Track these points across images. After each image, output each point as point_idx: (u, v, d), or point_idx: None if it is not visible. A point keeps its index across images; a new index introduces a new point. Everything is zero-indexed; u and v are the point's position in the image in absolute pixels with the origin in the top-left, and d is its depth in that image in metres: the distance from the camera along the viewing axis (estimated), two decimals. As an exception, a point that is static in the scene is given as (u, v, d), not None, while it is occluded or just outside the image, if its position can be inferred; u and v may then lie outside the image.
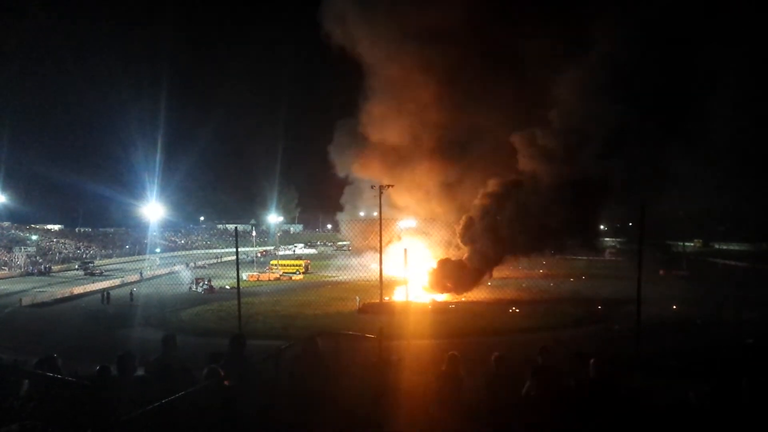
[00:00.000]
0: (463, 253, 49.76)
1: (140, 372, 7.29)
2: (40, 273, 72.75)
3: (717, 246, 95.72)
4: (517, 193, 47.14)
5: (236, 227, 20.86)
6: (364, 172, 64.32)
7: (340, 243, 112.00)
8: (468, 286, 47.12)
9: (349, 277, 53.24)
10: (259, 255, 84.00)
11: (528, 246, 47.43)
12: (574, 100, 44.94)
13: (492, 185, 49.75)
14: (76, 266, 78.06)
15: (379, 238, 44.18)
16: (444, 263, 48.60)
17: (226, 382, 6.03)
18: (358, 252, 61.20)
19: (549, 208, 42.29)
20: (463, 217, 50.97)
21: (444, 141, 58.50)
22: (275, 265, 70.65)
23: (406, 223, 63.61)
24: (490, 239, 46.36)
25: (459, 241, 51.11)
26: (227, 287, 50.83)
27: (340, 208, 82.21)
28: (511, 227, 45.04)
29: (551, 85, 47.47)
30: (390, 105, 60.03)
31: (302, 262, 72.62)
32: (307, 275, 67.98)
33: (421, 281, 48.92)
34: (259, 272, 66.31)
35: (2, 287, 57.68)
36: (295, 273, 67.26)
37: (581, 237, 50.21)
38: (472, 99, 53.45)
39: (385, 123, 61.36)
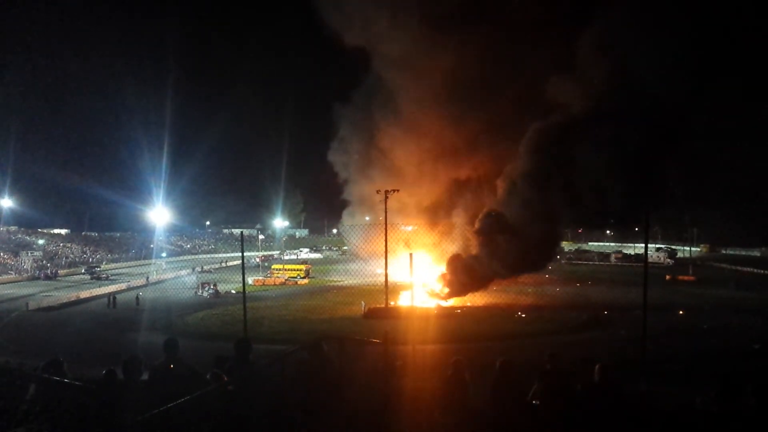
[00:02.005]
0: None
1: (145, 376, 7.32)
2: (47, 277, 72.94)
3: (724, 251, 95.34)
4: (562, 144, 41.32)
5: (242, 232, 20.94)
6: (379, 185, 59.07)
7: (345, 248, 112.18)
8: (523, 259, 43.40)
9: (355, 281, 53.24)
10: (258, 260, 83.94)
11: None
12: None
13: (533, 134, 44.41)
14: (83, 270, 78.31)
15: (384, 244, 44.11)
16: (491, 215, 45.19)
17: (229, 387, 6.04)
18: (362, 258, 59.93)
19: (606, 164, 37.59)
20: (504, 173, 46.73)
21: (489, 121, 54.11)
22: (277, 269, 71.06)
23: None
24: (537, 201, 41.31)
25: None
26: (233, 291, 50.91)
27: (347, 205, 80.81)
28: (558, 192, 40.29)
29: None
30: (424, 101, 58.00)
31: (303, 267, 72.86)
32: (313, 280, 68.02)
33: (434, 280, 48.56)
34: (265, 277, 66.45)
35: (9, 291, 57.95)
36: (296, 277, 67.40)
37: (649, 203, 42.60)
38: (516, 69, 50.48)
39: (414, 130, 59.91)
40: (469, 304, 45.47)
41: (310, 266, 74.92)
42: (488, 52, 51.26)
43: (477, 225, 46.44)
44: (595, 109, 40.66)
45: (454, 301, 46.44)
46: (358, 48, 60.30)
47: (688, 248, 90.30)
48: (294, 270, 70.77)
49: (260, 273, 68.83)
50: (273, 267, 74.27)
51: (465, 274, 45.69)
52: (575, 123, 41.65)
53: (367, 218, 76.26)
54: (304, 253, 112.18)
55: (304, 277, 67.93)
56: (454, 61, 54.29)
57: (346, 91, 68.72)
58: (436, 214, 60.79)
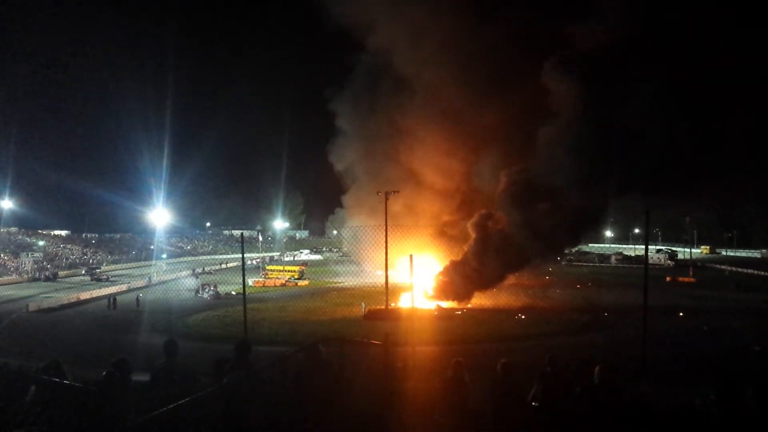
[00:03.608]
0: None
1: (146, 378, 7.33)
2: (47, 279, 72.97)
3: (725, 252, 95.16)
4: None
5: (242, 233, 20.97)
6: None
7: (345, 249, 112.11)
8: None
9: (355, 283, 53.13)
10: (256, 262, 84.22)
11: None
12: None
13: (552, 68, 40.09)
14: (83, 272, 78.39)
15: (384, 246, 43.95)
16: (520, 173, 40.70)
17: (229, 389, 6.04)
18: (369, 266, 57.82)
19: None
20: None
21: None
22: (271, 270, 72.23)
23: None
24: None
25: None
26: (233, 293, 50.83)
27: (347, 207, 79.19)
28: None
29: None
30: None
31: (297, 268, 73.87)
32: (313, 281, 68.10)
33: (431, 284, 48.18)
34: (265, 278, 66.61)
35: (9, 293, 57.93)
36: (291, 278, 67.85)
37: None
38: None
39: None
40: (469, 305, 45.41)
41: (304, 267, 75.55)
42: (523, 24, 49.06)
43: (502, 186, 42.72)
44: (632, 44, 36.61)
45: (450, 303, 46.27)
46: (380, 49, 59.02)
47: (688, 250, 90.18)
48: (288, 271, 71.43)
49: (260, 274, 69.08)
50: (267, 268, 74.92)
51: (494, 249, 41.85)
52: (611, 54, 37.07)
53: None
54: (305, 255, 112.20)
55: (298, 278, 68.42)
56: (494, 39, 50.73)
57: (345, 90, 67.95)
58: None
